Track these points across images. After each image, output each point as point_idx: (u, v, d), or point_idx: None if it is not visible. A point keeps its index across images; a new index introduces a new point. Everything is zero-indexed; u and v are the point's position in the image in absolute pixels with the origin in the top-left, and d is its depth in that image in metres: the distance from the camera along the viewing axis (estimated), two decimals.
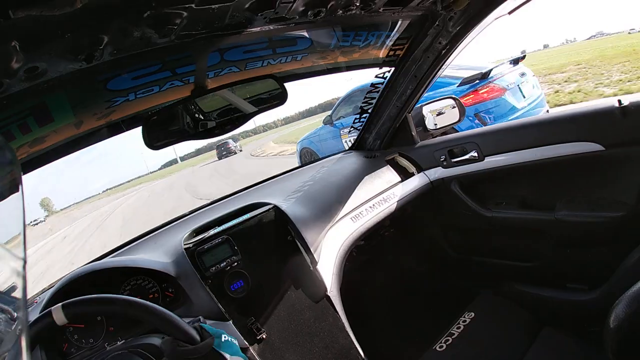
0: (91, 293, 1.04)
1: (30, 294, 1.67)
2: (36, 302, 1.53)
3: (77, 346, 1.34)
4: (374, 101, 2.00)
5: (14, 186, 0.40)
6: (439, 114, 2.07)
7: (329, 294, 1.43)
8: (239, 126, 1.33)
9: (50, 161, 1.40)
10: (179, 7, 0.90)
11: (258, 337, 1.31)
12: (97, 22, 0.84)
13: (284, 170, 2.21)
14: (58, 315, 0.92)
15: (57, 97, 1.20)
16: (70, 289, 1.30)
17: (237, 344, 0.97)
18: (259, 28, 1.18)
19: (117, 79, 1.25)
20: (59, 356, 1.31)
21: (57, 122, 1.31)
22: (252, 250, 1.43)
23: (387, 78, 1.88)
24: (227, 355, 0.91)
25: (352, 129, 2.23)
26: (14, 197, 0.40)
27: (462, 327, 1.90)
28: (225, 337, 0.96)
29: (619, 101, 1.43)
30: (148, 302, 0.99)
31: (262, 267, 1.42)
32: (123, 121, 1.42)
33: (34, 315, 1.42)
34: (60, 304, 0.94)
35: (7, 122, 1.17)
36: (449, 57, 1.70)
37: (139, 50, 1.06)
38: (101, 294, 1.01)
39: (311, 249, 1.46)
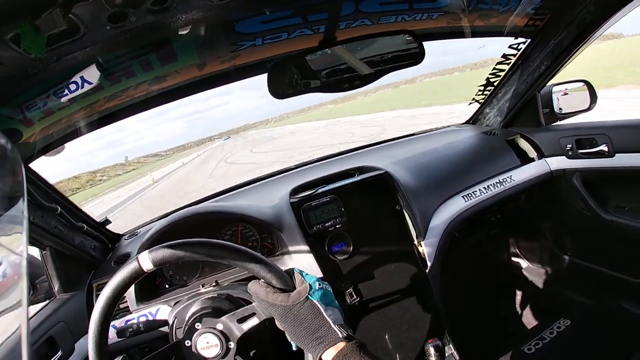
0: (192, 235, 1.03)
1: (141, 221, 1.75)
2: (137, 235, 1.59)
3: (170, 282, 1.38)
4: (502, 73, 1.82)
5: (18, 183, 0.41)
6: (568, 96, 1.84)
7: (429, 272, 1.36)
8: (368, 83, 1.23)
9: (170, 101, 1.41)
10: None
11: (350, 303, 1.28)
12: None
13: (396, 136, 2.12)
14: (145, 262, 0.89)
15: (183, 36, 1.16)
16: (172, 230, 1.32)
17: (331, 291, 0.90)
18: None
19: (247, 21, 1.20)
20: (151, 289, 1.36)
21: (180, 62, 1.30)
22: (358, 214, 1.37)
23: (521, 50, 1.69)
24: (320, 306, 0.83)
25: (472, 100, 2.06)
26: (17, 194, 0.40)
27: (555, 332, 1.78)
28: (319, 284, 0.88)
29: None
30: (240, 246, 0.95)
31: (366, 233, 1.36)
32: (247, 67, 1.38)
33: (133, 247, 1.50)
34: (147, 250, 0.91)
35: (129, 57, 1.16)
36: (593, 35, 1.48)
37: None
38: (200, 236, 0.98)
39: (419, 223, 1.38)
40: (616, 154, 1.59)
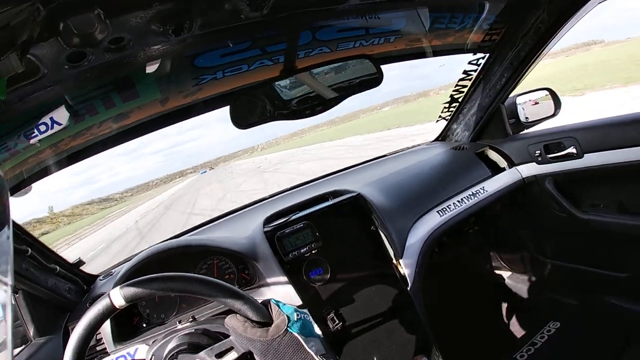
0: (167, 270, 1.02)
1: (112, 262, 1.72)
2: (112, 274, 1.57)
3: (147, 320, 1.36)
4: (465, 89, 1.86)
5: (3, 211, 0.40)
6: (534, 105, 1.88)
7: (410, 290, 1.35)
8: (330, 108, 1.25)
9: (135, 137, 1.41)
10: None
11: (333, 329, 1.26)
12: None
13: (366, 159, 2.13)
14: (116, 297, 0.87)
15: (143, 72, 1.17)
16: (146, 265, 1.30)
17: (310, 320, 0.88)
18: (355, 2, 1.07)
19: (206, 55, 1.21)
20: (129, 328, 1.33)
21: (142, 98, 1.30)
22: (333, 238, 1.36)
23: (482, 65, 1.73)
24: (300, 338, 0.81)
25: (439, 118, 2.09)
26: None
27: (545, 336, 1.79)
28: (297, 314, 0.85)
29: None
30: (212, 279, 0.94)
31: (343, 256, 1.35)
32: (210, 99, 1.38)
33: (108, 287, 1.47)
34: (118, 286, 0.89)
35: (90, 95, 1.16)
36: (549, 43, 1.53)
37: (229, 24, 1.00)
38: (175, 271, 0.97)
39: (395, 242, 1.38)
40: (585, 155, 1.62)
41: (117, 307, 0.88)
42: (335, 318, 1.27)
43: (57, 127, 1.11)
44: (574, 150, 1.64)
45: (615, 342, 1.60)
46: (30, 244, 1.31)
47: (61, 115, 1.10)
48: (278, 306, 0.88)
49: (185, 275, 0.94)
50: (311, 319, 0.90)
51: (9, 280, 0.37)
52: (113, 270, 1.61)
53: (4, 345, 0.39)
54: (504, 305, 2.14)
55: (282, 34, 1.20)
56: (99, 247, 17.81)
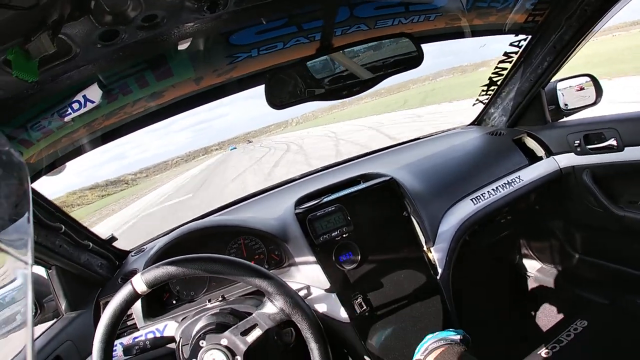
0: (197, 250, 1.03)
1: (148, 237, 1.75)
2: (144, 250, 1.59)
3: (177, 297, 1.37)
4: (504, 72, 1.79)
5: (24, 192, 0.41)
6: (579, 90, 1.80)
7: (439, 279, 1.33)
8: (368, 88, 1.21)
9: (169, 116, 1.41)
10: None
11: (359, 313, 1.26)
12: None
13: (400, 142, 2.10)
14: (138, 284, 0.91)
15: (177, 50, 1.15)
16: (177, 245, 1.31)
17: None
18: None
19: (241, 32, 1.19)
20: (159, 305, 1.35)
21: (176, 77, 1.29)
22: (365, 222, 1.35)
23: (523, 47, 1.65)
24: None
25: (476, 101, 2.03)
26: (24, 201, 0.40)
27: (572, 335, 1.72)
28: None
29: None
30: (236, 259, 0.97)
31: (373, 241, 1.34)
32: (245, 78, 1.37)
33: (140, 263, 1.49)
34: (139, 273, 0.92)
35: (124, 74, 1.16)
36: (594, 27, 1.45)
37: (265, 0, 0.96)
38: (206, 252, 1.00)
39: (427, 229, 1.35)
40: (625, 148, 1.54)
41: (140, 293, 0.92)
42: (362, 303, 1.27)
43: (90, 105, 1.11)
44: (615, 143, 1.56)
45: None
46: (64, 221, 1.33)
47: (94, 93, 1.10)
48: None
49: (207, 256, 0.96)
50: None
51: (28, 259, 0.38)
52: (145, 247, 1.64)
53: (25, 322, 0.40)
54: (532, 299, 2.10)
55: (318, 10, 1.16)
56: None
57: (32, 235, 0.40)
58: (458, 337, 0.95)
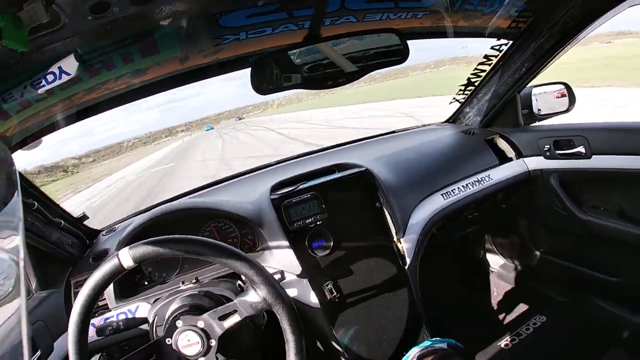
0: (171, 231, 1.03)
1: (117, 217, 1.72)
2: (115, 230, 1.57)
3: (149, 279, 1.37)
4: (483, 74, 1.84)
5: (12, 186, 0.40)
6: (559, 97, 1.87)
7: (407, 269, 1.37)
8: (353, 80, 1.23)
9: (151, 94, 1.39)
10: None
11: (330, 299, 1.29)
12: None
13: (376, 134, 2.13)
14: (125, 258, 0.90)
15: (166, 28, 1.13)
16: (151, 225, 1.31)
17: None
18: None
19: (231, 15, 1.18)
20: (130, 286, 1.34)
21: (162, 55, 1.27)
22: (339, 211, 1.38)
23: (503, 51, 1.71)
24: None
25: (453, 100, 2.08)
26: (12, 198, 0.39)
27: (531, 328, 1.83)
28: None
29: None
30: (222, 243, 0.97)
31: (346, 229, 1.37)
32: (230, 61, 1.36)
33: (111, 243, 1.47)
34: (127, 247, 0.92)
35: (109, 49, 1.13)
36: (574, 39, 1.51)
37: None
38: (180, 233, 1.00)
39: (398, 220, 1.39)
40: (593, 156, 1.61)
41: (126, 267, 0.91)
42: (333, 289, 1.30)
43: (65, 77, 1.08)
44: (583, 150, 1.63)
45: (597, 344, 1.65)
46: (37, 197, 1.29)
47: (70, 64, 1.07)
48: None
49: (194, 238, 0.96)
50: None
51: (20, 252, 0.39)
52: (117, 226, 1.61)
53: (17, 292, 0.41)
54: (494, 293, 2.19)
55: None
56: None
57: (22, 214, 0.40)
58: (444, 344, 0.97)
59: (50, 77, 1.06)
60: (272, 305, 0.95)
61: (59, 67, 1.06)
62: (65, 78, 1.09)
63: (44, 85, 1.08)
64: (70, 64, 1.07)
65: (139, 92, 1.38)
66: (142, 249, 0.91)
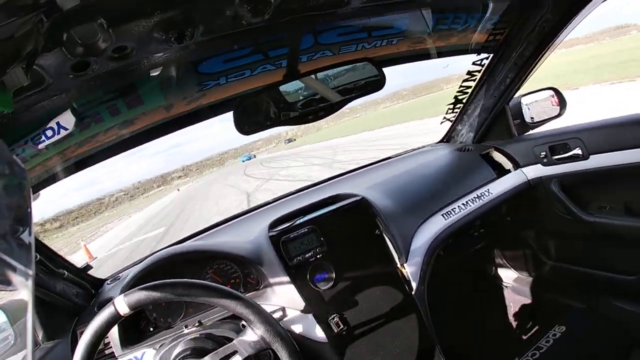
0: (173, 276, 1.04)
1: (121, 266, 1.74)
2: (119, 279, 1.59)
3: (154, 324, 1.37)
4: (469, 90, 1.84)
5: (24, 199, 0.40)
6: (540, 105, 1.86)
7: (414, 294, 1.34)
8: (332, 113, 1.24)
9: (141, 143, 1.43)
10: None
11: (337, 332, 1.26)
12: None
13: (370, 162, 2.13)
14: (121, 305, 0.92)
15: (147, 79, 1.18)
16: (152, 271, 1.32)
17: None
18: (357, 4, 1.08)
19: (209, 61, 1.23)
20: (136, 333, 1.35)
21: (147, 105, 1.32)
22: (338, 242, 1.36)
23: (485, 65, 1.72)
24: None
25: (444, 119, 2.08)
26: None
27: (551, 340, 1.77)
28: None
29: None
30: (215, 284, 0.98)
31: (347, 260, 1.35)
32: (214, 105, 1.40)
33: (115, 291, 1.49)
34: (122, 294, 0.93)
35: (95, 103, 1.19)
36: (553, 42, 1.52)
37: (231, 30, 1.00)
38: (181, 277, 1.01)
39: (399, 246, 1.38)
40: (591, 156, 1.59)
41: (122, 314, 0.92)
42: (339, 322, 1.27)
43: (63, 132, 1.13)
44: (580, 152, 1.62)
45: (621, 347, 1.59)
46: (39, 249, 1.32)
47: (67, 119, 1.12)
48: None
49: (187, 281, 0.97)
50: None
51: (30, 271, 0.38)
52: (120, 274, 1.63)
53: (24, 343, 0.41)
54: (509, 308, 2.12)
55: (284, 38, 1.21)
56: None
57: (34, 246, 0.41)
58: None
59: (49, 133, 1.12)
60: (270, 343, 0.95)
61: (57, 123, 1.11)
62: (63, 133, 1.14)
63: (44, 141, 1.14)
64: (67, 120, 1.12)
65: (129, 142, 1.42)
66: (137, 295, 0.92)
